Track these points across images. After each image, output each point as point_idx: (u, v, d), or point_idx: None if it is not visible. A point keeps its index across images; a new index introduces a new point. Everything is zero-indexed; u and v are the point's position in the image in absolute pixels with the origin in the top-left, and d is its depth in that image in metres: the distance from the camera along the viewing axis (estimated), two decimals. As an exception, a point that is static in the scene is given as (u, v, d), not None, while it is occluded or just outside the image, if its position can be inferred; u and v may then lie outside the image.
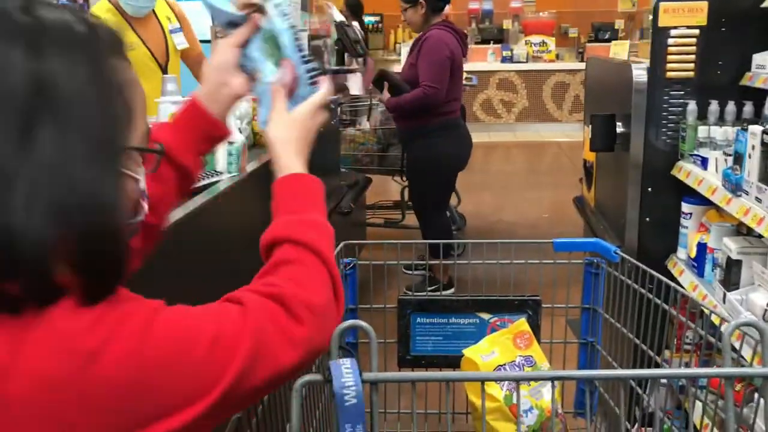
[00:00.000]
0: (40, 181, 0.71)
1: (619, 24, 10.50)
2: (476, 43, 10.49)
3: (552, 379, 0.80)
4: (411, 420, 1.63)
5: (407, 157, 4.05)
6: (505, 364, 1.41)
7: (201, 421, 0.74)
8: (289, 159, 1.07)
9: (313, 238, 0.93)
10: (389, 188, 4.96)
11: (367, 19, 10.54)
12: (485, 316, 1.64)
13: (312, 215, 0.99)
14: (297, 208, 0.99)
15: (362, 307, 1.68)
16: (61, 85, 0.73)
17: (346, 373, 0.76)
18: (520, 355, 1.44)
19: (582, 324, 1.69)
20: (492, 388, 1.36)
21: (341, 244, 1.53)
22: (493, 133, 9.72)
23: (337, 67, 3.74)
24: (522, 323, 1.54)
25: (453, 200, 5.23)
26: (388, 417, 1.67)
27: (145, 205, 0.86)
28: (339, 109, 3.98)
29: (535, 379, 1.41)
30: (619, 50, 9.65)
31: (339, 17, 3.69)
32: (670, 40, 2.24)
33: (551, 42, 10.31)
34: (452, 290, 3.43)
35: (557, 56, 10.35)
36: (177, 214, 1.66)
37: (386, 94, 3.86)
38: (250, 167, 2.31)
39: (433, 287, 3.38)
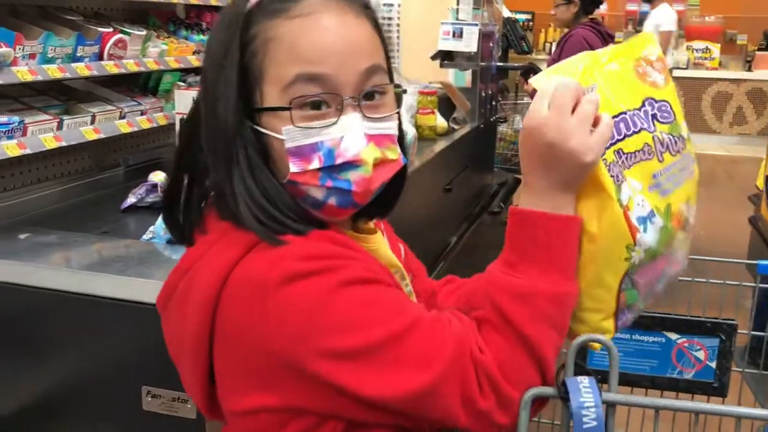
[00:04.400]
0: None
1: (796, 32, 9.73)
2: (632, 46, 10.03)
3: (741, 417, 0.71)
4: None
5: None
6: (626, 112, 0.88)
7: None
8: (544, 182, 0.82)
9: (536, 329, 0.76)
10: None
11: (518, 16, 10.36)
12: (673, 336, 1.53)
13: (547, 285, 0.79)
14: (530, 267, 0.80)
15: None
16: None
17: (585, 392, 0.70)
18: (647, 98, 0.91)
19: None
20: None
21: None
22: (643, 140, 9.27)
23: (508, 64, 3.68)
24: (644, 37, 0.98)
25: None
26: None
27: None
28: (498, 105, 3.93)
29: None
30: (792, 60, 8.86)
31: (507, 13, 3.63)
32: None
33: (716, 48, 9.70)
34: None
35: (720, 64, 9.72)
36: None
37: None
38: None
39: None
